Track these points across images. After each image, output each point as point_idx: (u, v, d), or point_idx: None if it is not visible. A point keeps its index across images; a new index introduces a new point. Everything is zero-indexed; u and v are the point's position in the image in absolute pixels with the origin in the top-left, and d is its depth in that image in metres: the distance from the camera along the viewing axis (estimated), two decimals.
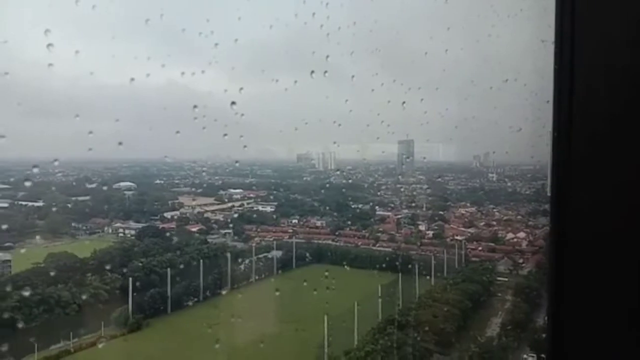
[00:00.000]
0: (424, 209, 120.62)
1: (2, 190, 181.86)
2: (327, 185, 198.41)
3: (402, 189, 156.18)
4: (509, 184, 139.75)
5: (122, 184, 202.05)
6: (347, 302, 64.07)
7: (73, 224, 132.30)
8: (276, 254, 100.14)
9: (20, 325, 67.44)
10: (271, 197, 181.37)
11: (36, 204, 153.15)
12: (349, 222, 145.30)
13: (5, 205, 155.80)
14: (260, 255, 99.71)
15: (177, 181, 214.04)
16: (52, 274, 78.13)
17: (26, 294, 71.08)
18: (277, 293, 79.95)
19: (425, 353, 56.23)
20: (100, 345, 65.63)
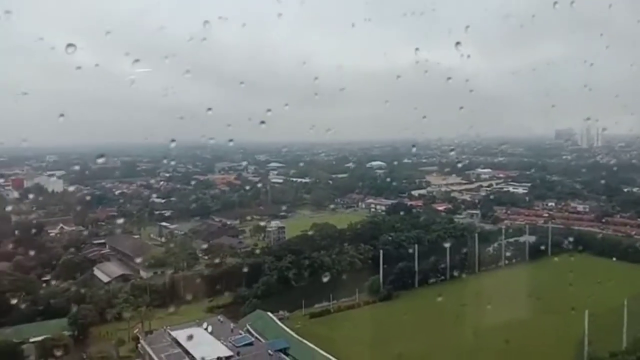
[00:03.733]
0: None
1: (278, 168, 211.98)
2: (592, 165, 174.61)
3: None
4: None
5: (374, 163, 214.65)
6: (614, 299, 55.86)
7: (333, 199, 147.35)
8: (528, 238, 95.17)
9: (292, 283, 78.76)
10: (523, 177, 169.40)
11: (304, 180, 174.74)
12: (620, 209, 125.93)
13: (280, 180, 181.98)
14: (511, 239, 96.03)
15: (424, 160, 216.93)
16: (316, 241, 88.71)
17: (296, 257, 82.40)
18: (529, 280, 74.64)
19: None
20: (355, 310, 72.04)
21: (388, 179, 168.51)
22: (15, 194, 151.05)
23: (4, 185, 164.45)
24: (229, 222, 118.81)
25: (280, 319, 63.36)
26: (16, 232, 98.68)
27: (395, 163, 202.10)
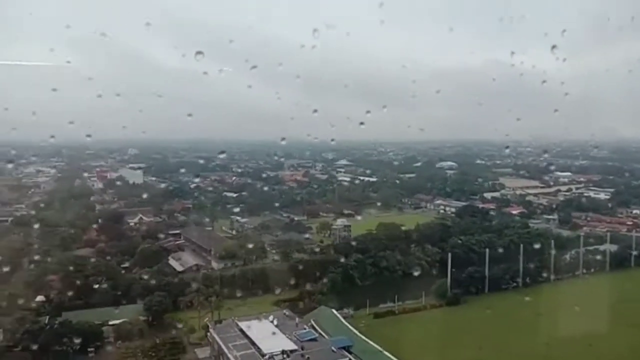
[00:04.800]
0: None
1: (345, 166, 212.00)
2: None
3: None
4: None
5: (444, 163, 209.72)
6: None
7: (400, 198, 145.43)
8: (610, 247, 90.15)
9: (356, 282, 78.63)
10: (607, 182, 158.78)
11: (371, 179, 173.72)
12: None
13: (348, 179, 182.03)
14: (590, 247, 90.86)
15: (498, 162, 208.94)
16: (382, 241, 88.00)
17: (361, 256, 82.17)
18: (610, 291, 69.81)
19: None
20: (420, 313, 70.75)
21: (459, 180, 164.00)
22: (100, 185, 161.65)
23: (90, 176, 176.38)
24: (296, 218, 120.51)
25: (344, 317, 63.48)
26: (99, 220, 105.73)
27: (467, 164, 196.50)
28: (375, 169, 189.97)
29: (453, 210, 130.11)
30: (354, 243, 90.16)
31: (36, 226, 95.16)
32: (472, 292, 76.16)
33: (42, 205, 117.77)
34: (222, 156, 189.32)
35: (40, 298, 67.40)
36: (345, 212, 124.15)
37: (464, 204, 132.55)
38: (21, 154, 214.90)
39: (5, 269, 78.27)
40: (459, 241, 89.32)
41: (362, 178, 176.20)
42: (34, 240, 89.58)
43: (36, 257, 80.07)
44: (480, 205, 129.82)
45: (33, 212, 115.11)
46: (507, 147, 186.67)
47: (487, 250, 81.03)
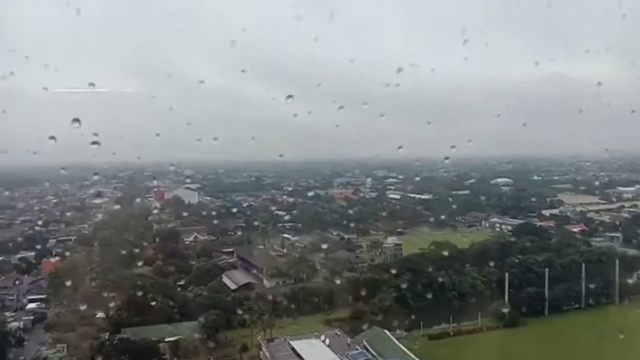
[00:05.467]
0: None
1: (396, 184, 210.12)
2: None
3: None
4: None
5: (499, 179, 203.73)
6: None
7: (453, 216, 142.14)
8: None
9: (409, 302, 77.07)
10: None
11: (422, 197, 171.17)
12: None
13: (398, 196, 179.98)
14: None
15: (556, 177, 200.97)
16: (435, 260, 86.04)
17: (414, 275, 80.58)
18: None
19: None
20: (477, 335, 68.42)
21: (515, 197, 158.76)
22: (157, 205, 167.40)
23: (148, 196, 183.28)
24: (346, 237, 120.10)
25: (397, 338, 62.27)
26: (157, 239, 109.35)
27: (523, 180, 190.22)
28: (427, 186, 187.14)
29: (509, 228, 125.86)
30: (406, 262, 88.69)
31: (97, 245, 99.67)
32: (531, 314, 73.05)
33: (103, 224, 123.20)
34: (271, 175, 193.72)
35: (101, 314, 70.11)
36: (396, 230, 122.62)
37: (520, 221, 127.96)
38: (84, 175, 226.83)
39: (69, 286, 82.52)
40: (516, 260, 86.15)
41: (413, 195, 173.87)
42: (95, 258, 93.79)
43: (97, 275, 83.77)
44: (538, 223, 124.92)
45: (95, 232, 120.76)
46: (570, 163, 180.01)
47: (547, 270, 77.69)
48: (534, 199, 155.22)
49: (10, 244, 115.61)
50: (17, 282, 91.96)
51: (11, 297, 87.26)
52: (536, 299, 74.30)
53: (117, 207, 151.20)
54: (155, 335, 62.23)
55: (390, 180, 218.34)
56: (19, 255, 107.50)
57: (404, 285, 77.44)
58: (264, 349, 58.16)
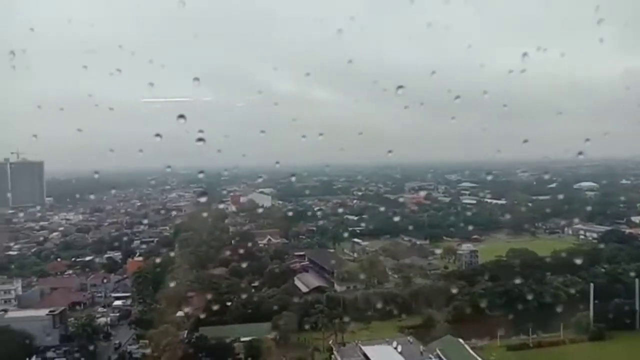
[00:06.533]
0: None
1: (470, 188, 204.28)
2: None
3: None
4: None
5: (583, 184, 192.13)
6: None
7: (533, 222, 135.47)
8: None
9: (485, 311, 74.27)
10: None
11: (499, 202, 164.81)
12: None
13: (473, 201, 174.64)
14: None
15: None
16: (514, 268, 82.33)
17: (491, 283, 77.62)
18: None
19: None
20: (559, 347, 64.62)
21: (600, 202, 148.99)
22: (233, 208, 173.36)
23: (225, 200, 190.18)
24: (418, 242, 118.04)
25: (472, 348, 60.17)
26: (232, 241, 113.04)
27: (610, 184, 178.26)
28: (504, 190, 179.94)
29: (594, 235, 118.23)
30: (482, 270, 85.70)
31: (177, 246, 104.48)
32: (619, 327, 67.74)
33: (183, 227, 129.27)
34: (341, 180, 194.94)
35: (180, 313, 73.44)
36: (472, 236, 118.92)
37: (607, 228, 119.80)
38: (165, 180, 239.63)
39: (151, 286, 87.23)
40: (603, 270, 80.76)
41: (489, 200, 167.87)
42: (175, 259, 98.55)
43: (177, 275, 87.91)
44: (627, 230, 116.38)
45: (175, 234, 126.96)
46: None
47: (638, 280, 72.03)
48: (622, 205, 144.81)
49: (100, 245, 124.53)
50: (105, 280, 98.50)
51: (99, 294, 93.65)
52: (625, 312, 68.85)
53: (195, 210, 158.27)
54: (230, 335, 64.18)
55: (465, 184, 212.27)
56: (106, 255, 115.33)
57: (480, 294, 74.87)
58: (335, 352, 58.27)
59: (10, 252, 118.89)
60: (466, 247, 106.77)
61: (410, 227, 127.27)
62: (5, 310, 78.89)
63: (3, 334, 64.96)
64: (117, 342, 71.58)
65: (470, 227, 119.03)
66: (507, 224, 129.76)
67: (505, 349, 64.07)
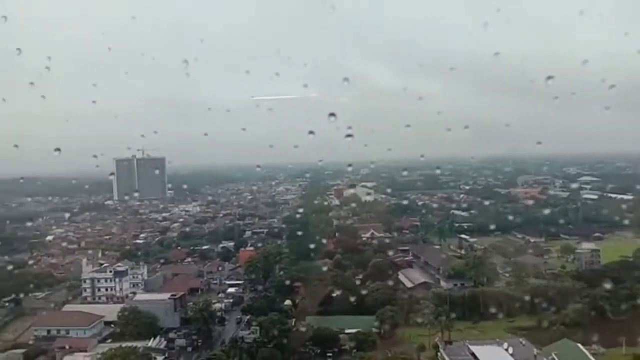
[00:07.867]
0: None
1: (592, 183, 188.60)
2: None
3: None
4: None
5: None
6: None
7: None
8: None
9: (608, 315, 68.35)
10: None
11: (625, 197, 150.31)
12: None
13: (595, 197, 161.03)
14: None
15: None
16: None
17: (614, 286, 71.07)
18: None
19: None
20: None
21: None
22: (337, 202, 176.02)
23: (329, 194, 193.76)
24: (532, 240, 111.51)
25: (593, 354, 55.76)
26: (336, 234, 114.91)
27: None
28: (630, 185, 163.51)
29: None
30: (604, 271, 78.98)
31: (285, 238, 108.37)
32: None
33: (290, 220, 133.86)
34: (438, 172, 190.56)
35: (288, 302, 76.31)
36: (593, 235, 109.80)
37: None
38: (274, 174, 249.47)
39: (262, 275, 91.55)
40: None
41: (612, 196, 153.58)
42: (283, 250, 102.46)
43: (285, 265, 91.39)
44: None
45: (283, 226, 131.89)
46: None
47: None
48: None
49: (215, 235, 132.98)
50: (220, 269, 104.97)
51: (215, 282, 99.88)
52: None
53: (302, 203, 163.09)
54: (336, 326, 65.55)
55: (586, 178, 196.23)
56: (221, 245, 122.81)
57: (601, 297, 69.07)
58: (441, 351, 57.05)
59: (137, 241, 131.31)
60: (587, 246, 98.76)
61: (524, 224, 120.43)
62: (135, 293, 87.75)
63: (133, 314, 72.40)
64: (230, 327, 75.82)
65: (592, 225, 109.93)
66: (634, 221, 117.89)
67: (631, 358, 58.64)
